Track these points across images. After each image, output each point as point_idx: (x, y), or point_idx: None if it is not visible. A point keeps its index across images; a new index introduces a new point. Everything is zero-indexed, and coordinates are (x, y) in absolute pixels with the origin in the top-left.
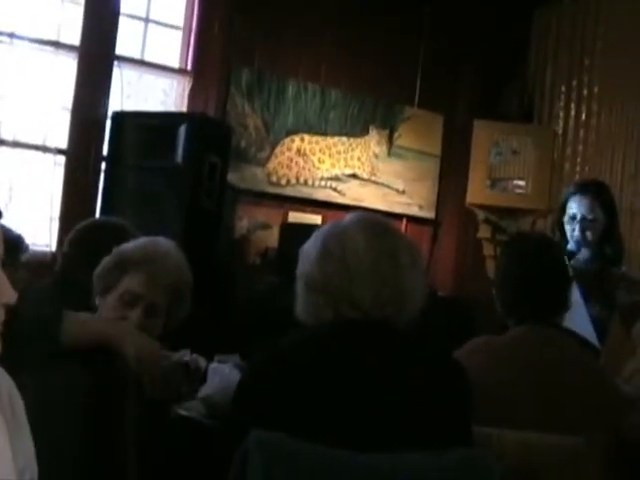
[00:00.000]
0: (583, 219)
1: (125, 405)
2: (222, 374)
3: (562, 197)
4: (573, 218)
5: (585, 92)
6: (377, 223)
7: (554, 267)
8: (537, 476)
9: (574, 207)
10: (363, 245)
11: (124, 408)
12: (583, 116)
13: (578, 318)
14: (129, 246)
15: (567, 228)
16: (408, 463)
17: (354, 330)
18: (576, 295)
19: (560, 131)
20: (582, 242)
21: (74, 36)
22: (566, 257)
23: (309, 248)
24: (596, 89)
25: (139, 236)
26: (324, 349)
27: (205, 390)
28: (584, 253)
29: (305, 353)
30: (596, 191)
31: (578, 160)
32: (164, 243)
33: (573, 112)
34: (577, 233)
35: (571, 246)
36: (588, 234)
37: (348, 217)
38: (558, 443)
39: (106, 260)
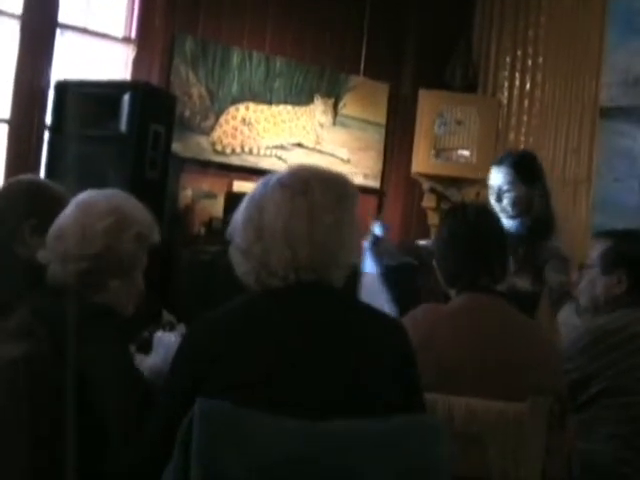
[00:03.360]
0: (499, 189)
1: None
2: (167, 344)
3: None
4: (491, 189)
5: (530, 63)
6: (299, 181)
7: (493, 236)
8: (482, 441)
9: (490, 179)
10: (277, 208)
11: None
12: (527, 87)
13: None
14: None
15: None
16: (355, 429)
17: (276, 297)
18: None
19: (505, 101)
20: (501, 213)
21: (16, 4)
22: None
23: (237, 213)
24: (540, 60)
25: (55, 187)
26: (252, 317)
27: (151, 360)
28: (511, 224)
29: (235, 320)
30: (512, 161)
31: (522, 130)
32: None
33: (518, 82)
34: (493, 203)
35: None
36: (505, 204)
37: (274, 175)
38: (503, 409)
39: None
